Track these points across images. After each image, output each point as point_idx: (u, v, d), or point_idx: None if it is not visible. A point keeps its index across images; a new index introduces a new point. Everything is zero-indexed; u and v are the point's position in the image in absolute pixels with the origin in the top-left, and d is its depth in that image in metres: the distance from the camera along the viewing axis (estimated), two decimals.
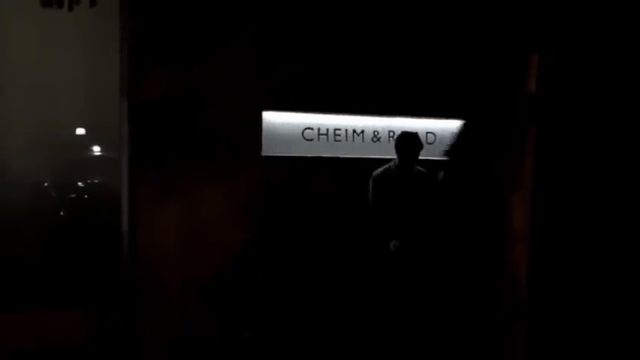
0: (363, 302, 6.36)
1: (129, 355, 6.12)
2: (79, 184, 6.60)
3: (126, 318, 6.22)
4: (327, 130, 6.65)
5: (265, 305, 6.33)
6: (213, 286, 6.21)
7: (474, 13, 6.58)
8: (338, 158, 6.63)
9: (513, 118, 6.85)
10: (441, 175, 6.40)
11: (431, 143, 6.80)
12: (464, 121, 6.75)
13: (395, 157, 6.34)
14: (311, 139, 6.61)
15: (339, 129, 6.68)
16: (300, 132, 6.59)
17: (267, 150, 6.45)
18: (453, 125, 6.95)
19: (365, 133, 6.75)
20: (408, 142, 6.31)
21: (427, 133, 6.81)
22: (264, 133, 6.43)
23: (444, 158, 6.55)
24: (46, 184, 6.47)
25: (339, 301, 6.48)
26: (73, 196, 6.54)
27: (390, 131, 6.76)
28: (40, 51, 6.26)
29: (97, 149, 6.57)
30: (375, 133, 6.78)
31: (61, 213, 6.55)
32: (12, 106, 6.21)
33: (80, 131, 6.41)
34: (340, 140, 6.69)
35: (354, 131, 6.72)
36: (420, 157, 6.36)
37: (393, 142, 6.43)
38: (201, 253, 6.22)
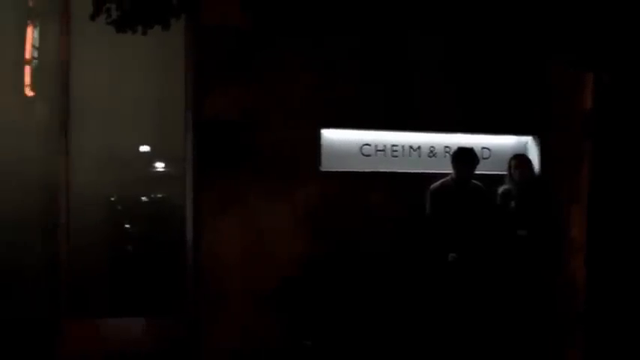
0: (421, 312, 6.48)
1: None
2: (144, 197, 6.85)
3: (190, 325, 6.44)
4: (385, 146, 6.80)
5: (325, 314, 6.49)
6: (273, 295, 6.39)
7: (531, 31, 6.67)
8: (395, 173, 6.77)
9: (570, 134, 6.96)
10: (501, 190, 6.51)
11: (486, 158, 6.91)
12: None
13: (452, 171, 6.46)
14: (369, 155, 6.77)
15: (396, 145, 6.83)
16: (359, 148, 6.75)
17: (326, 165, 6.62)
18: (508, 141, 7.07)
19: (421, 148, 6.88)
20: (464, 157, 6.43)
21: (482, 148, 6.92)
22: (323, 149, 6.61)
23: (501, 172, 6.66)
24: (112, 199, 6.73)
25: (397, 311, 6.60)
26: (138, 209, 6.79)
27: (445, 147, 6.88)
28: (110, 69, 6.52)
29: (161, 164, 6.80)
30: (432, 148, 6.91)
31: (127, 226, 6.80)
32: (85, 125, 6.49)
33: (146, 147, 6.66)
34: (397, 156, 6.84)
35: (411, 147, 6.86)
36: (475, 172, 6.48)
37: (448, 158, 6.55)
38: (262, 264, 6.42)
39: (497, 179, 6.63)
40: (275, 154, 6.44)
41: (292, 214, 6.49)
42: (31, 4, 6.72)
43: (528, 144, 7.10)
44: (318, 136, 6.58)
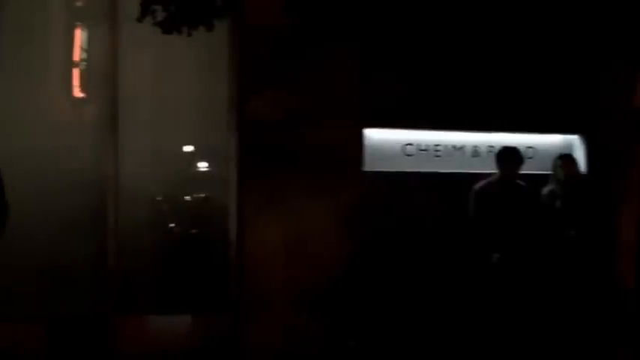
0: (465, 313, 6.45)
1: (237, 359, 6.40)
2: (189, 196, 6.94)
3: (233, 323, 6.51)
4: (428, 145, 6.79)
5: (369, 315, 6.49)
6: (315, 295, 6.40)
7: (579, 29, 6.61)
8: (438, 173, 6.76)
9: (619, 133, 6.85)
10: (546, 190, 6.45)
11: (531, 158, 6.84)
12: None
13: (496, 171, 6.41)
14: (411, 155, 6.77)
15: (439, 144, 6.82)
16: (401, 147, 6.75)
17: (369, 165, 6.64)
18: (553, 140, 6.99)
19: (465, 148, 6.86)
20: (509, 156, 6.38)
21: (527, 147, 6.86)
22: (365, 149, 6.63)
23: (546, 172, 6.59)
24: (158, 198, 6.83)
25: (441, 312, 6.58)
26: (183, 207, 6.89)
27: (489, 146, 6.84)
28: (156, 70, 6.63)
29: (206, 164, 6.88)
30: (475, 148, 6.88)
31: (172, 224, 6.89)
32: (133, 125, 6.60)
33: (191, 147, 6.75)
34: (440, 155, 6.82)
35: (454, 146, 6.84)
36: (520, 172, 6.42)
37: (492, 157, 6.51)
38: (304, 263, 6.43)
39: (542, 179, 6.56)
40: (318, 154, 6.45)
41: (335, 214, 6.49)
42: (79, 6, 6.87)
43: (574, 143, 7.02)
44: (361, 136, 6.59)
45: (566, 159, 6.53)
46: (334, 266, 6.44)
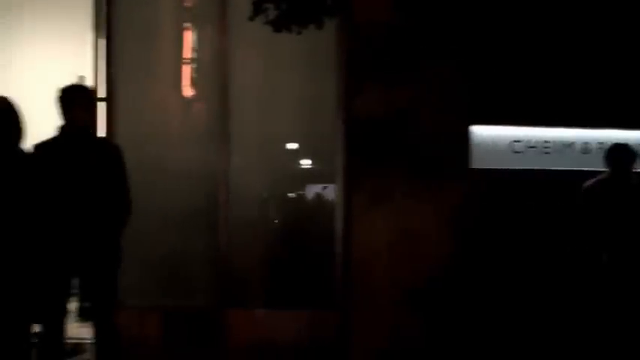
0: (571, 312, 6.31)
1: (342, 356, 6.46)
2: (296, 193, 7.06)
3: (339, 320, 6.57)
4: (536, 142, 6.68)
5: (474, 316, 6.43)
6: (420, 294, 6.39)
7: None
8: (547, 170, 6.63)
9: None
10: None
11: None
12: None
13: (606, 169, 6.24)
14: (519, 152, 6.67)
15: (548, 141, 6.69)
16: (508, 144, 6.66)
17: (476, 163, 6.57)
18: None
19: (574, 145, 6.70)
20: (620, 153, 6.18)
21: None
22: (472, 146, 6.56)
23: None
24: (267, 194, 6.98)
25: (547, 312, 6.46)
26: (291, 204, 7.00)
27: (599, 143, 6.66)
28: (264, 68, 6.77)
29: (313, 161, 6.98)
30: (585, 144, 6.71)
31: (279, 220, 7.02)
32: (242, 123, 6.77)
33: (298, 143, 6.86)
34: (549, 152, 6.69)
35: (564, 143, 6.70)
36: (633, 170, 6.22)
37: (603, 154, 6.34)
38: (409, 262, 6.42)
39: None
40: (424, 151, 6.44)
41: (441, 212, 6.45)
42: (190, 6, 7.09)
43: None
44: (468, 133, 6.54)
45: None
46: (439, 265, 6.41)
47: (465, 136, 6.53)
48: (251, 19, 5.39)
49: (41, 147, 4.72)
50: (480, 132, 6.59)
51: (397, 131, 6.42)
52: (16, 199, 4.14)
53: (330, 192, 6.85)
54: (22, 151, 4.30)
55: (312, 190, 7.07)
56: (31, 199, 4.21)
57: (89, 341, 5.61)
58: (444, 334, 6.39)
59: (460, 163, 6.51)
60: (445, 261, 6.41)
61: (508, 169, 6.61)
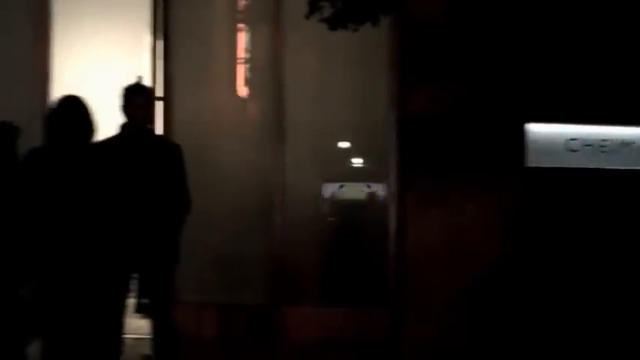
0: (628, 317, 6.21)
1: (395, 354, 6.46)
2: (346, 192, 7.08)
3: (392, 319, 6.57)
4: (593, 140, 6.58)
5: (529, 315, 6.37)
6: (474, 294, 6.33)
7: None
8: (604, 170, 6.52)
9: None
10: None
11: None
12: None
13: None
14: (575, 150, 6.57)
15: (606, 139, 6.57)
16: (564, 143, 6.57)
17: (531, 161, 6.48)
18: None
19: (634, 144, 6.57)
20: None
21: None
22: (527, 145, 6.48)
23: None
24: (320, 192, 7.02)
25: (602, 314, 6.36)
26: (343, 203, 7.03)
27: None
28: (317, 67, 6.82)
29: (365, 159, 7.00)
30: None
31: (332, 218, 7.05)
32: (296, 122, 6.84)
33: (351, 142, 6.89)
34: (606, 151, 6.57)
35: (622, 142, 6.58)
36: None
37: None
38: (464, 262, 6.35)
39: None
40: (478, 150, 6.38)
41: (495, 212, 6.37)
42: (244, 6, 7.17)
43: None
44: (524, 131, 6.47)
45: None
46: (493, 265, 6.34)
47: (520, 134, 6.46)
48: (307, 17, 5.43)
49: (104, 145, 4.84)
50: (536, 130, 6.51)
51: (451, 130, 6.37)
52: (92, 194, 4.32)
53: (384, 190, 6.85)
54: (93, 147, 4.45)
55: (361, 189, 7.09)
56: (103, 195, 4.35)
57: (147, 336, 5.71)
58: (497, 335, 6.32)
59: (515, 161, 6.43)
60: (499, 261, 6.34)
61: (563, 168, 6.52)
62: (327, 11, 5.39)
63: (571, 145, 6.57)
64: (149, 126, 5.34)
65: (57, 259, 4.32)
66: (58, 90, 7.16)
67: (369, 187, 7.09)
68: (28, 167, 4.50)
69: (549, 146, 6.54)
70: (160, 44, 6.93)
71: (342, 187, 7.05)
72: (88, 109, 4.44)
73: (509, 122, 6.40)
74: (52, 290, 4.37)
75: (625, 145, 6.58)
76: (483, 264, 6.35)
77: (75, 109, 4.41)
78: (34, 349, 6.46)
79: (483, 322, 6.33)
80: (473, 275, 6.34)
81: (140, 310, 5.54)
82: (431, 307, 6.37)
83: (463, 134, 6.39)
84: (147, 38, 7.10)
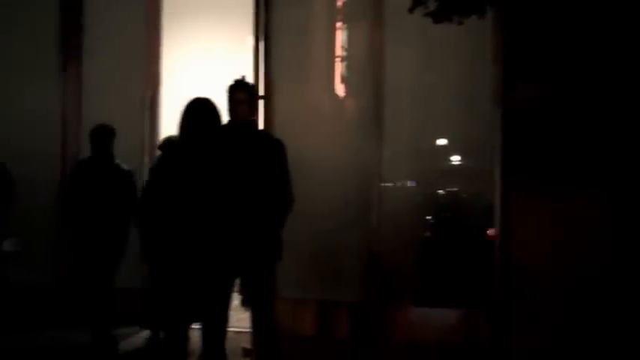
0: None
1: (499, 356, 6.29)
2: (449, 189, 6.96)
3: (495, 321, 6.41)
4: None
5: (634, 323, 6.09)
6: (582, 298, 6.14)
7: None
8: None
9: None
10: None
11: None
12: None
13: None
14: None
15: None
16: None
17: None
18: None
19: None
20: None
21: None
22: None
23: None
24: (420, 189, 6.93)
25: None
26: (444, 200, 6.92)
27: None
28: (418, 62, 6.75)
29: (467, 156, 6.86)
30: None
31: (432, 216, 6.95)
32: (396, 117, 6.79)
33: (452, 139, 6.77)
34: None
35: None
36: None
37: None
38: (571, 264, 6.17)
39: None
40: (587, 148, 6.18)
41: (604, 214, 6.15)
42: (343, 4, 7.18)
43: None
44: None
45: None
46: (602, 269, 6.12)
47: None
48: (410, 11, 5.36)
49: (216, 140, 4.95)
50: None
51: (555, 128, 6.20)
52: (217, 188, 4.66)
53: (486, 189, 6.68)
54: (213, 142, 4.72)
55: (467, 188, 6.95)
56: (224, 188, 4.68)
57: (248, 330, 5.76)
58: (604, 338, 6.09)
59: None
60: (607, 264, 6.12)
61: None
62: (432, 4, 5.30)
63: None
64: (253, 122, 5.42)
65: (179, 250, 4.54)
66: (167, 90, 7.43)
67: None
68: (167, 160, 4.89)
69: None
70: (262, 45, 7.01)
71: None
72: (217, 110, 4.78)
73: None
74: (171, 281, 4.61)
75: None
76: (592, 266, 6.13)
77: (208, 111, 4.73)
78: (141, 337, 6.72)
79: (592, 326, 6.12)
80: (581, 278, 6.14)
81: (245, 303, 5.63)
82: (536, 310, 6.23)
83: (571, 132, 6.19)
84: (249, 39, 7.20)
